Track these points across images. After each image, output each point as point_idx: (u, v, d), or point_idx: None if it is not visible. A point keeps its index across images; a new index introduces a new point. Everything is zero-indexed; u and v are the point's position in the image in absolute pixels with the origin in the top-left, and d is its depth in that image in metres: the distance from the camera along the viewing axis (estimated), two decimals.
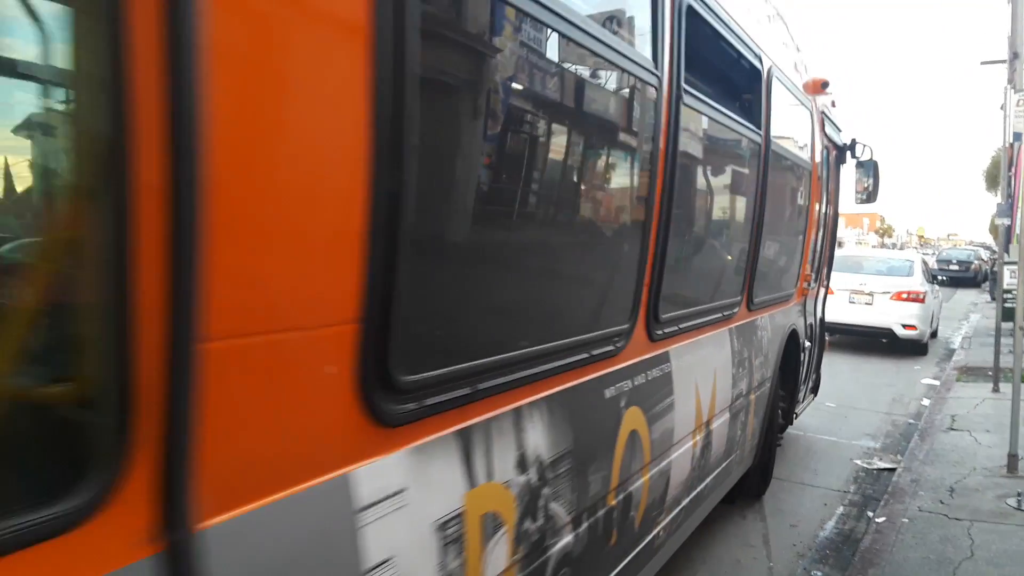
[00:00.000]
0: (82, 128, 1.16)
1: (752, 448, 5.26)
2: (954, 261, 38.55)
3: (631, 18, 2.83)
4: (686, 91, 3.21)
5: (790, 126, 5.42)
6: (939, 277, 18.33)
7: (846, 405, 9.28)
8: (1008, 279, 10.99)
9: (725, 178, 4.53)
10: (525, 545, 2.24)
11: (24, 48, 1.19)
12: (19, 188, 1.26)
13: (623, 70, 2.74)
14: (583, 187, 2.82)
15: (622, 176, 3.03)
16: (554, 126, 2.60)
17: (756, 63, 4.38)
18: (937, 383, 10.64)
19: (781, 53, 5.03)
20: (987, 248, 47.55)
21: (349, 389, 1.56)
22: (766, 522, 5.37)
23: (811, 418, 8.53)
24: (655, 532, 3.44)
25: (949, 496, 5.59)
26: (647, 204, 2.98)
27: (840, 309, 13.44)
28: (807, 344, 6.73)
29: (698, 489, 4.07)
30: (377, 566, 1.62)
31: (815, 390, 7.86)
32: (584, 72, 2.61)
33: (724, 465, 4.56)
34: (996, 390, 9.46)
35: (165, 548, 1.21)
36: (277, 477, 1.42)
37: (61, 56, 1.19)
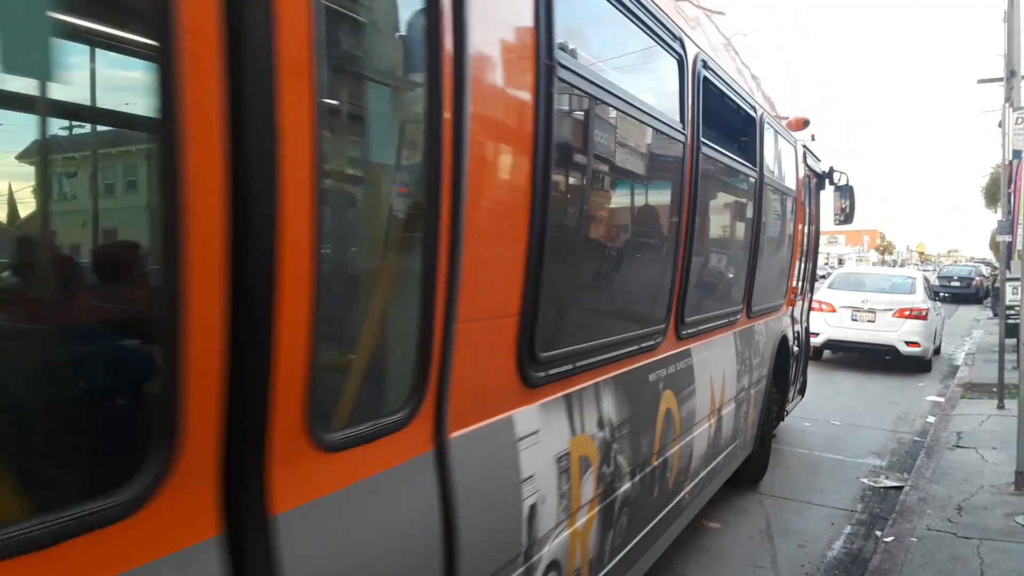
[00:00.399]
0: (411, 202, 2.07)
1: (752, 437, 6.05)
2: (955, 277, 38.48)
3: (669, 93, 3.78)
4: (703, 143, 4.04)
5: (779, 161, 6.23)
6: (941, 294, 18.35)
7: (851, 423, 9.25)
8: (1010, 295, 10.98)
9: (731, 207, 5.43)
10: (603, 484, 3.04)
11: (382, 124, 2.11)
12: (379, 237, 2.12)
13: (666, 135, 3.67)
14: (644, 223, 3.93)
15: (666, 213, 3.97)
16: (629, 183, 3.68)
17: (751, 112, 5.24)
18: (942, 400, 10.60)
19: (770, 100, 5.90)
20: (988, 264, 47.53)
21: (512, 358, 2.42)
22: (773, 543, 5.33)
23: (816, 436, 8.51)
24: (682, 494, 4.25)
25: (957, 514, 5.56)
26: (678, 230, 3.86)
27: (843, 327, 13.44)
28: (795, 348, 7.60)
29: (712, 464, 4.86)
30: (527, 479, 2.46)
31: (802, 391, 8.58)
32: (644, 139, 3.63)
33: (731, 447, 5.34)
34: (1001, 407, 9.43)
35: (435, 447, 2.05)
36: (478, 412, 2.27)
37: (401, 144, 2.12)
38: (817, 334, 13.70)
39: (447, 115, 1.94)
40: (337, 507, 1.69)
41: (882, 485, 6.78)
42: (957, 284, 37.01)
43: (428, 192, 1.94)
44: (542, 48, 2.38)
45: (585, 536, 2.92)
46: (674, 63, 3.71)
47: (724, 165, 4.72)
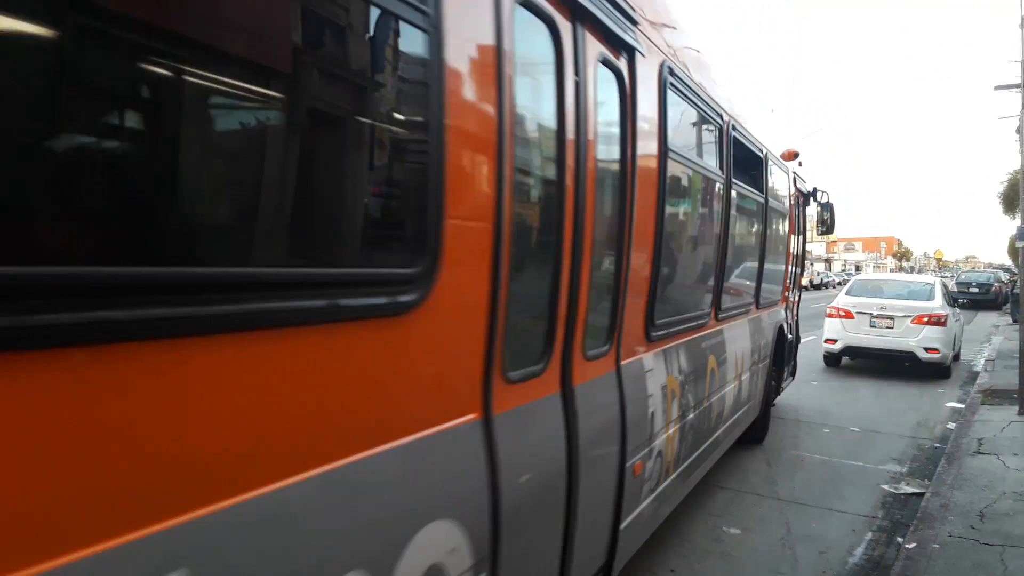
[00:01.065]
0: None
1: (759, 403, 7.67)
2: (974, 283, 38.20)
3: (714, 150, 5.54)
4: (733, 182, 5.76)
5: (777, 187, 8.01)
6: (959, 300, 18.25)
7: (870, 429, 9.21)
8: None
9: (747, 226, 7.02)
10: (680, 410, 4.59)
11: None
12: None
13: (713, 179, 5.46)
14: (700, 240, 5.47)
15: (712, 232, 5.58)
16: (691, 214, 5.29)
17: (759, 153, 6.98)
18: (962, 406, 10.53)
19: (772, 140, 7.59)
20: (1006, 270, 47.05)
21: (643, 322, 3.97)
22: (795, 549, 5.33)
23: (836, 443, 8.49)
24: (719, 432, 5.88)
25: (980, 521, 5.53)
26: (718, 244, 5.59)
27: (861, 333, 13.39)
28: (789, 335, 9.26)
29: (736, 416, 6.50)
30: (650, 395, 4.01)
31: (793, 373, 10.21)
32: (701, 185, 5.32)
33: (747, 407, 6.99)
34: (1022, 413, 9.37)
35: (615, 369, 3.60)
36: (630, 352, 3.78)
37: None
38: (836, 340, 13.68)
39: (628, 189, 3.60)
40: (591, 388, 3.28)
41: (903, 491, 6.75)
42: (975, 290, 36.75)
43: (622, 232, 3.56)
44: (663, 144, 4.05)
45: (672, 441, 4.48)
46: (717, 128, 5.49)
47: (745, 195, 6.45)
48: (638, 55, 3.65)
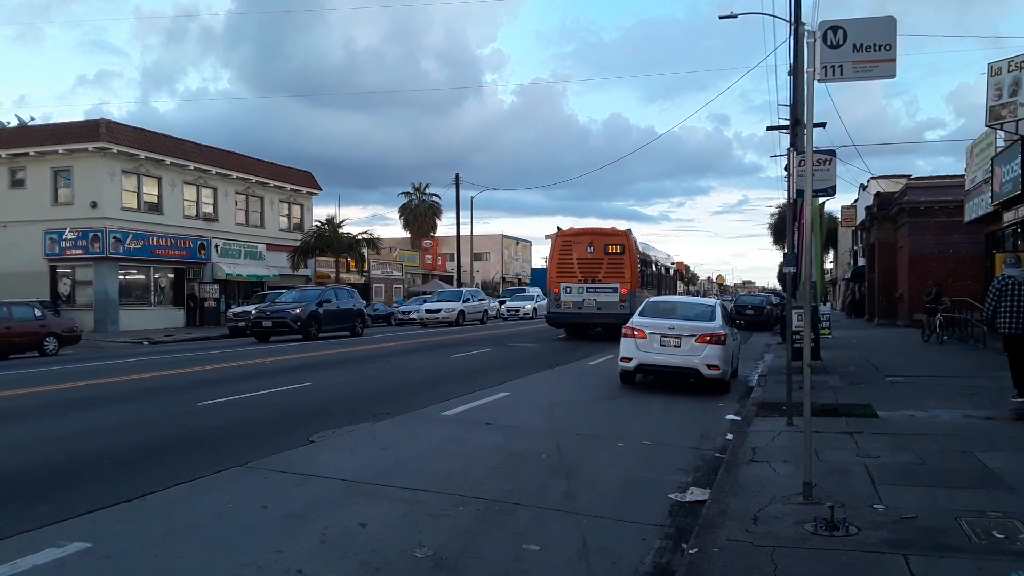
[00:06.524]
0: None
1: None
2: (749, 306, 41.88)
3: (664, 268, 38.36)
4: (669, 269, 39.96)
5: (668, 267, 39.69)
6: (738, 321, 19.94)
7: (660, 443, 9.75)
8: (796, 322, 12.08)
9: (658, 277, 36.48)
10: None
11: None
12: None
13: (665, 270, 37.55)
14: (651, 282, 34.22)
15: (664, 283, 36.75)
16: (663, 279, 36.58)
17: (671, 266, 39.02)
18: (739, 419, 11.41)
19: (670, 261, 40.90)
20: (777, 294, 52.13)
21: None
22: (590, 561, 5.48)
23: (629, 457, 8.89)
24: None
25: (753, 524, 5.94)
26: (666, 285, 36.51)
27: (652, 352, 14.19)
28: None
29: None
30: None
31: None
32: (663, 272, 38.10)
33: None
34: (790, 423, 10.25)
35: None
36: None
37: None
38: (630, 359, 14.41)
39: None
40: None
41: (688, 500, 7.15)
42: (751, 312, 40.27)
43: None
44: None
45: None
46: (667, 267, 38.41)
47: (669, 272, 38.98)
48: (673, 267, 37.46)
